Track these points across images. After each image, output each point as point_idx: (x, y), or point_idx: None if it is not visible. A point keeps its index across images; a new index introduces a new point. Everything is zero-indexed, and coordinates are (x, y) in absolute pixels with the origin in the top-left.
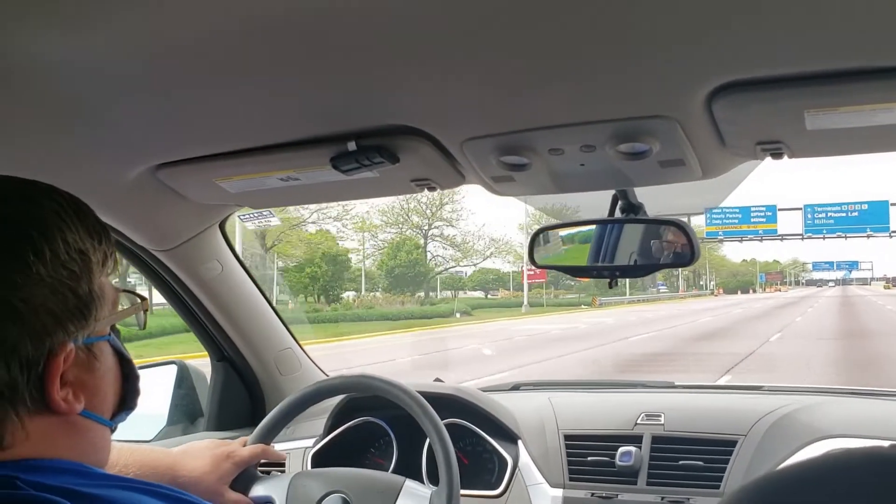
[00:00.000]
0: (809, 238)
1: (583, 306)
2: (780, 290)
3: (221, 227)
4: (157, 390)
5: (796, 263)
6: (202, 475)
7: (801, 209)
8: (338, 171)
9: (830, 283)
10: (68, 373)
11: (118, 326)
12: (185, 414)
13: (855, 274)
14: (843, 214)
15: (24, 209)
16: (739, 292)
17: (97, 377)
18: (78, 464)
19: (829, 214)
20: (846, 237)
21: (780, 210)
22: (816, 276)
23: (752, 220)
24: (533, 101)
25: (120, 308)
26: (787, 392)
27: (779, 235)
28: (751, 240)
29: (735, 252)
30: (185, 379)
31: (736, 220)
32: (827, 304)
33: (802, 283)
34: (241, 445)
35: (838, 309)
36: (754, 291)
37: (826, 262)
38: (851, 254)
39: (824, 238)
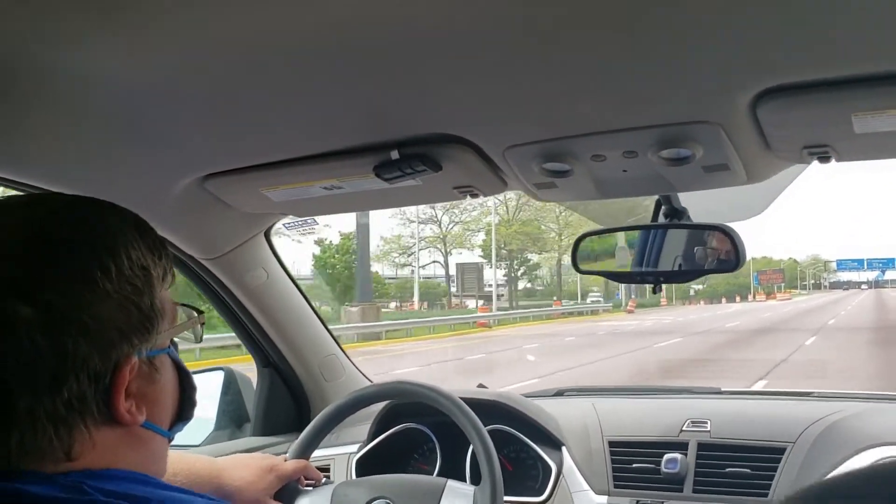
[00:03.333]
0: None
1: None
2: (773, 298)
3: (267, 235)
4: (204, 396)
5: (816, 262)
6: (246, 485)
7: None
8: (381, 179)
9: (864, 286)
10: (132, 385)
11: (175, 339)
12: (231, 419)
13: (889, 275)
14: None
15: (90, 227)
16: (724, 300)
17: (158, 389)
18: (138, 473)
19: None
20: None
21: None
22: (843, 277)
23: None
24: (575, 109)
25: (178, 322)
26: (837, 398)
27: None
28: None
29: None
30: (231, 385)
31: None
32: (846, 335)
33: (825, 286)
34: (284, 461)
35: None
36: (742, 300)
37: (854, 260)
38: (886, 248)
39: None
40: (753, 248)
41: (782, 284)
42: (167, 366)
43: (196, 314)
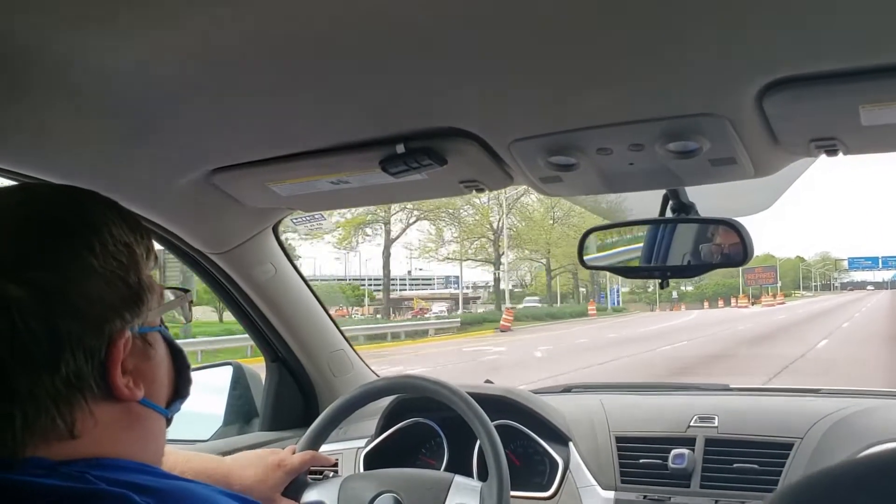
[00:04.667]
0: None
1: None
2: (759, 303)
3: (275, 230)
4: (213, 391)
5: (826, 260)
6: (255, 483)
7: None
8: (387, 173)
9: (869, 287)
10: (128, 361)
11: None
12: (240, 414)
13: None
14: None
15: (73, 209)
16: (706, 304)
17: (153, 366)
18: (141, 463)
19: None
20: None
21: None
22: (857, 276)
23: None
24: (580, 102)
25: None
26: (845, 395)
27: None
28: None
29: None
30: (240, 380)
31: None
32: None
33: (836, 287)
34: (291, 454)
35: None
36: (725, 304)
37: (867, 259)
38: None
39: None
40: (756, 246)
41: (777, 285)
42: (160, 343)
43: (183, 293)
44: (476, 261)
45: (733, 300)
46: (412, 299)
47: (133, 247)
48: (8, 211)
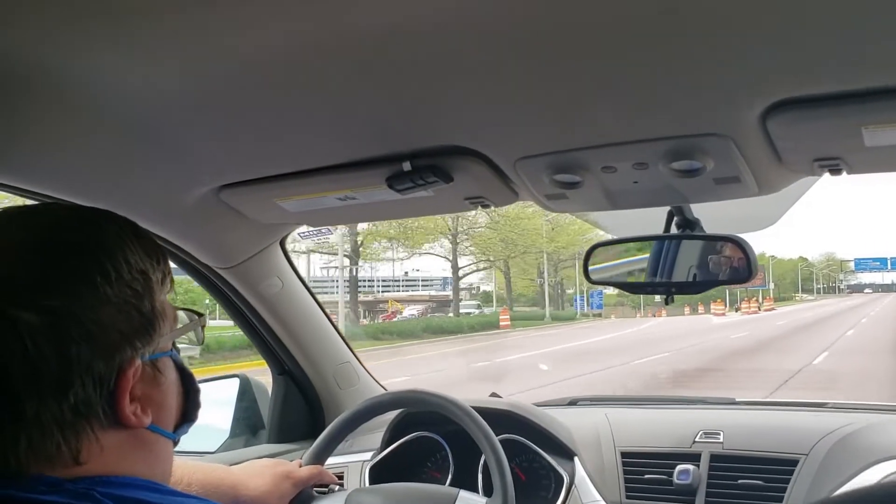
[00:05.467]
0: None
1: None
2: (719, 315)
3: (282, 244)
4: (220, 403)
5: (831, 261)
6: (262, 494)
7: None
8: (393, 190)
9: (867, 290)
10: (136, 388)
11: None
12: (247, 426)
13: None
14: None
15: (89, 234)
16: (687, 309)
17: (162, 392)
18: (149, 481)
19: None
20: None
21: None
22: (865, 279)
23: None
24: (585, 121)
25: (179, 325)
26: (851, 410)
27: None
28: None
29: None
30: (247, 392)
31: None
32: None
33: (843, 290)
34: (299, 466)
35: None
36: (693, 311)
37: (875, 259)
38: None
39: None
40: (756, 246)
41: (768, 287)
42: (170, 368)
43: (197, 317)
44: (437, 256)
45: (713, 305)
46: (387, 301)
47: (149, 273)
48: (24, 233)
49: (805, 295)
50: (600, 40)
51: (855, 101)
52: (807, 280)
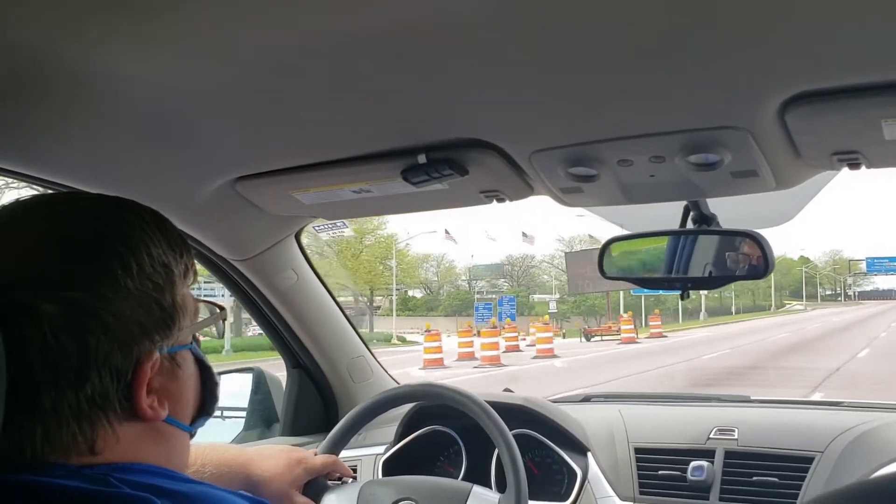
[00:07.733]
0: None
1: None
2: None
3: (297, 237)
4: (234, 396)
5: (838, 262)
6: (274, 476)
7: None
8: (408, 183)
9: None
10: (154, 381)
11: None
12: (261, 419)
13: None
14: None
15: (112, 226)
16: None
17: (180, 385)
18: (164, 468)
19: None
20: None
21: None
22: (882, 283)
23: None
24: (602, 113)
25: (200, 318)
26: (867, 409)
27: None
28: None
29: None
30: (261, 385)
31: None
32: None
33: (853, 297)
34: (314, 455)
35: None
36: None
37: (891, 259)
38: None
39: None
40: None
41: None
42: (189, 361)
43: (218, 310)
44: None
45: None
46: None
47: (171, 267)
48: (45, 223)
49: (807, 302)
50: (617, 34)
51: (875, 93)
52: (808, 283)
